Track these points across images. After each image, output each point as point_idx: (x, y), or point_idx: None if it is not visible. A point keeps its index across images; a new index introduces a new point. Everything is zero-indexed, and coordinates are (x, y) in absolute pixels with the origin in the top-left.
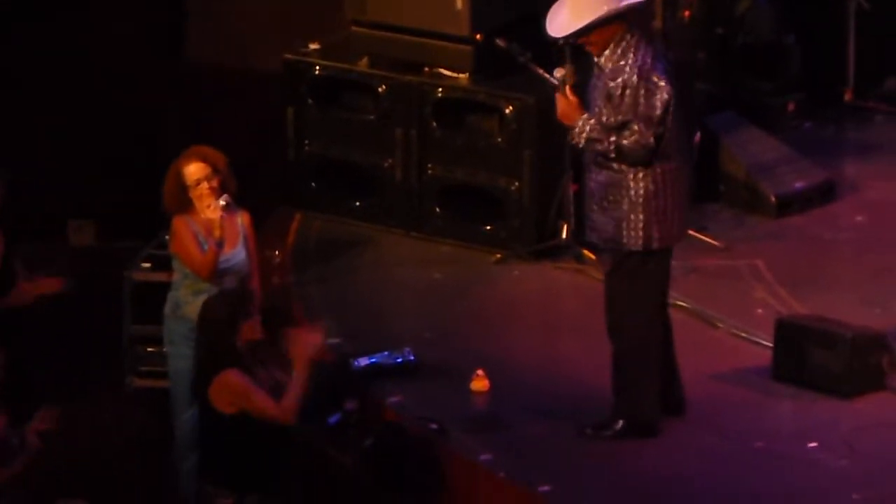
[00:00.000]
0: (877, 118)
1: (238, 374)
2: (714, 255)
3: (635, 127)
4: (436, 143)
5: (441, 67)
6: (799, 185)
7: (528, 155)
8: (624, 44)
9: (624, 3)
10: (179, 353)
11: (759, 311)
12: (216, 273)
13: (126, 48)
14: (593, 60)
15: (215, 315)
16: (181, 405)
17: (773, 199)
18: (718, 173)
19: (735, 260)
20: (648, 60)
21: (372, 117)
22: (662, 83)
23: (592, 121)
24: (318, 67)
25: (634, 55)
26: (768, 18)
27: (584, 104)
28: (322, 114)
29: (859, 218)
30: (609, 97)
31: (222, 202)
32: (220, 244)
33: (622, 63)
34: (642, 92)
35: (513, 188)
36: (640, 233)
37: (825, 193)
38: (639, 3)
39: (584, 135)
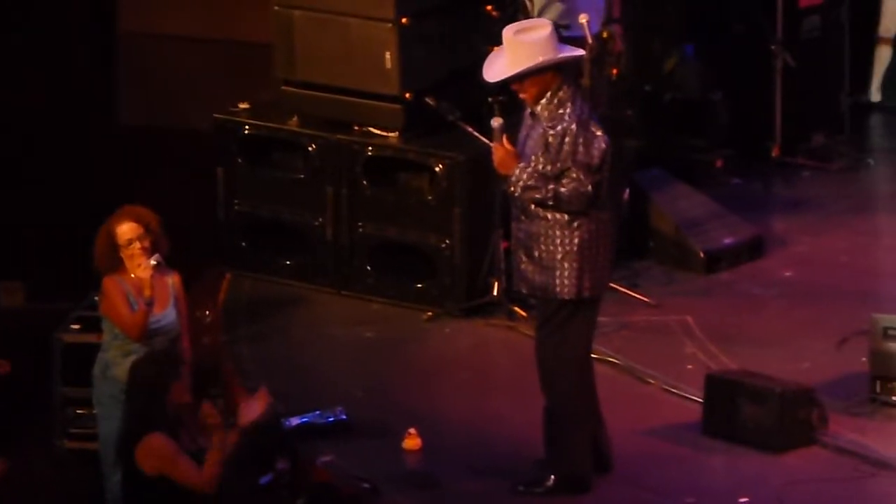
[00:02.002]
0: (804, 174)
1: (163, 438)
2: (644, 311)
3: (574, 175)
4: (366, 202)
5: (371, 126)
6: (728, 240)
7: (458, 212)
8: (560, 94)
9: (559, 56)
10: (109, 415)
11: (690, 366)
12: (146, 333)
13: (55, 109)
14: (525, 113)
15: (145, 375)
16: (111, 467)
17: (702, 255)
18: (648, 229)
19: (665, 316)
20: (586, 110)
21: (302, 176)
22: (599, 133)
23: (529, 169)
24: (247, 126)
25: (572, 105)
26: (696, 75)
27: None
28: (252, 173)
29: (788, 273)
30: (547, 146)
31: (153, 261)
32: (149, 304)
33: (561, 112)
34: (581, 140)
35: (443, 246)
36: (574, 281)
37: (754, 249)
38: (573, 57)
39: (520, 183)
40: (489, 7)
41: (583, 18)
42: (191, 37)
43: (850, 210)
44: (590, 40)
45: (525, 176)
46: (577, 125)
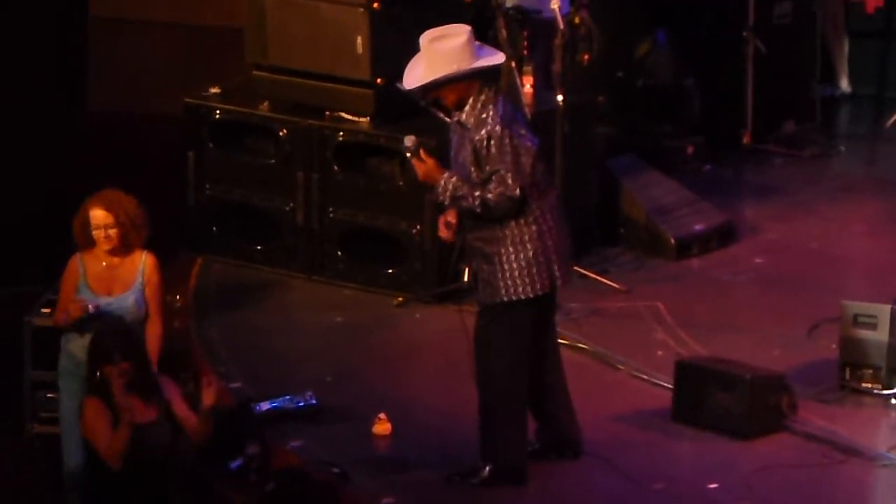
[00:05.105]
0: (775, 161)
1: (94, 403)
2: (615, 298)
3: (500, 179)
4: (337, 187)
5: (342, 111)
6: (698, 227)
7: (429, 198)
8: (483, 98)
9: (475, 65)
10: (66, 388)
11: (660, 352)
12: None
13: (28, 93)
14: (452, 122)
15: (91, 347)
16: (68, 443)
17: (672, 241)
18: (619, 216)
19: (636, 302)
20: (509, 111)
21: (273, 161)
22: (524, 132)
23: (455, 178)
24: (218, 111)
25: (495, 107)
26: (668, 62)
27: (445, 165)
28: (223, 157)
29: (758, 260)
30: (476, 152)
31: (91, 308)
32: (69, 322)
33: (484, 116)
34: (507, 141)
35: (414, 231)
36: (534, 278)
37: (724, 236)
38: (490, 65)
39: (448, 192)
40: None
41: (554, 4)
42: (162, 21)
43: (821, 197)
44: (561, 26)
45: (451, 186)
46: (500, 127)
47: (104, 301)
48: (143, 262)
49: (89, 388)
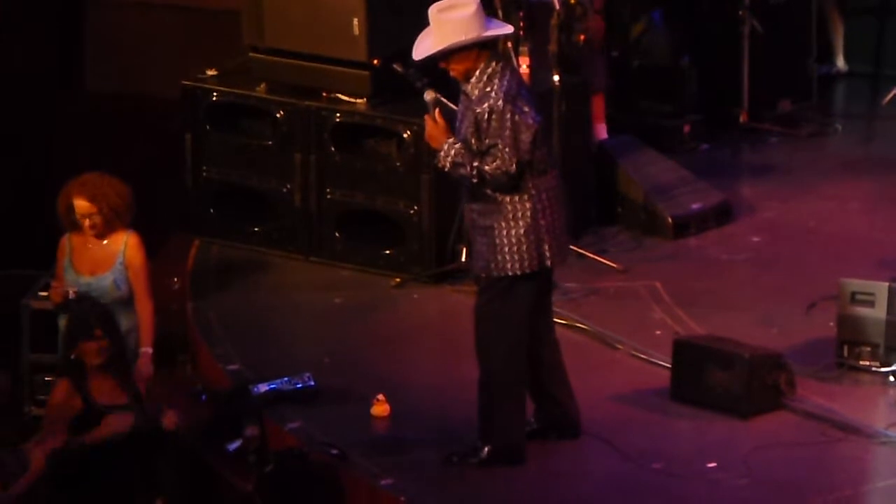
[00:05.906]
0: (771, 140)
1: (62, 387)
2: (613, 277)
3: (498, 153)
4: (335, 168)
5: (339, 92)
6: (695, 206)
7: (426, 179)
8: (489, 70)
9: (485, 34)
10: None
11: (658, 332)
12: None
13: (25, 76)
14: (460, 88)
15: (73, 322)
16: None
17: (670, 220)
18: (616, 195)
19: (633, 281)
20: (514, 86)
21: (270, 142)
22: (527, 108)
23: (458, 145)
24: (215, 93)
25: (500, 81)
26: (664, 41)
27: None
28: (220, 139)
29: (755, 239)
30: (476, 124)
31: (70, 294)
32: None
33: (488, 89)
34: (508, 116)
35: (412, 212)
36: (524, 255)
37: (721, 215)
38: (500, 35)
39: (448, 158)
40: None
41: None
42: (161, 3)
43: (818, 175)
44: (557, 6)
45: (453, 152)
46: (503, 101)
47: (85, 282)
48: (124, 243)
49: (63, 368)
